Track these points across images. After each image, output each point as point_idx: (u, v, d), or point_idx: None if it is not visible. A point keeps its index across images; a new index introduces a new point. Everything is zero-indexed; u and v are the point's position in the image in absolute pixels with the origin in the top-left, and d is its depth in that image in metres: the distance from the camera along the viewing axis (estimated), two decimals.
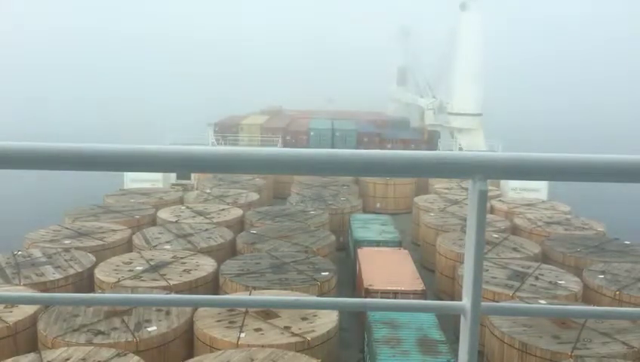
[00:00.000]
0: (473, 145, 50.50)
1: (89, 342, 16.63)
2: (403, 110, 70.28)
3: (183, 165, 2.03)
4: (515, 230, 31.79)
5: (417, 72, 63.30)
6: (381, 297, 20.86)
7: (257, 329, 17.67)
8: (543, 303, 19.91)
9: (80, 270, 22.81)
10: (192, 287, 21.73)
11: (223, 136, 50.78)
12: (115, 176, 41.41)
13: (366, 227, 30.53)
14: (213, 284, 22.49)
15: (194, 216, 31.92)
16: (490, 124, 55.00)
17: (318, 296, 20.31)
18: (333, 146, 48.48)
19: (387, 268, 23.48)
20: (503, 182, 42.27)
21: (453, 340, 19.47)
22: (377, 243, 27.82)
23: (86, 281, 22.57)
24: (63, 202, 39.88)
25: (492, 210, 36.59)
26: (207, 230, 28.67)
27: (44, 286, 21.38)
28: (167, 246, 26.07)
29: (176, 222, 30.70)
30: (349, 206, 35.92)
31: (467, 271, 2.14)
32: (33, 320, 18.10)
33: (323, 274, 22.67)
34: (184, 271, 22.67)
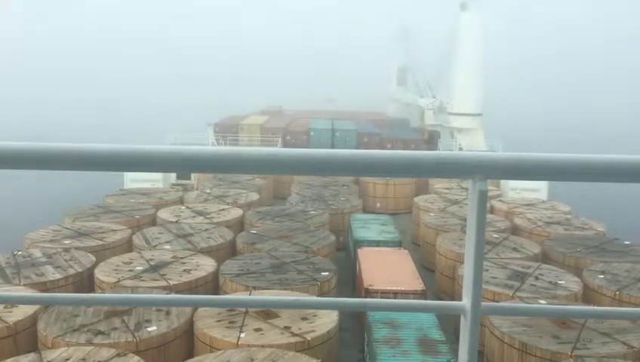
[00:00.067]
0: (473, 145, 50.51)
1: (89, 342, 16.63)
2: (403, 110, 70.29)
3: (183, 165, 2.03)
4: (515, 230, 31.79)
5: (417, 72, 63.34)
6: (381, 297, 20.86)
7: (257, 329, 17.67)
8: (543, 303, 19.91)
9: (80, 270, 22.82)
10: (192, 287, 21.73)
11: (223, 136, 50.79)
12: (115, 176, 41.41)
13: (366, 227, 30.53)
14: (213, 284, 22.49)
15: (194, 216, 31.92)
16: (490, 124, 55.00)
17: (318, 296, 20.31)
18: (333, 146, 48.48)
19: (387, 268, 23.48)
20: (503, 182, 42.28)
21: (453, 340, 19.48)
22: (377, 243, 27.83)
23: (86, 281, 22.58)
24: (63, 202, 39.87)
25: (492, 210, 36.59)
26: (207, 230, 28.68)
27: (44, 286, 21.39)
28: (167, 246, 26.07)
29: (176, 222, 30.70)
30: (349, 206, 35.92)
31: (467, 271, 2.14)
32: (33, 320, 18.10)
33: (323, 274, 22.67)
34: (184, 271, 22.67)
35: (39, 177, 58.83)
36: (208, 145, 44.03)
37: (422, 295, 21.13)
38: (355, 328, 22.55)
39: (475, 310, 2.12)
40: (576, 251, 26.87)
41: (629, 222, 41.95)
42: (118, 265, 23.12)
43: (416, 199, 38.02)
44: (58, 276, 22.09)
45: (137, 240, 27.19)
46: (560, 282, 22.65)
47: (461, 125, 52.34)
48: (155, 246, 26.29)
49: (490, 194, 36.48)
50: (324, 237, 28.15)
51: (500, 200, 39.16)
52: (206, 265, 23.34)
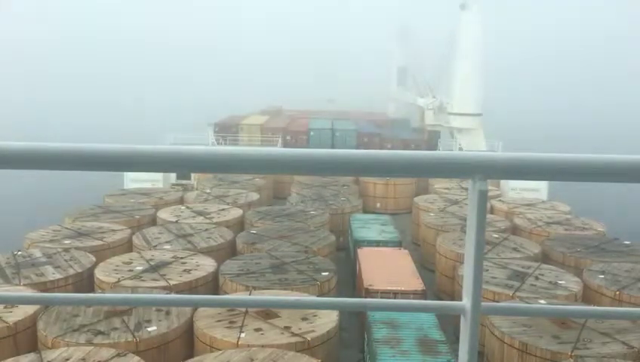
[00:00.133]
0: (473, 145, 50.49)
1: (89, 342, 16.63)
2: (403, 110, 70.29)
3: (183, 165, 2.03)
4: (515, 230, 31.79)
5: (417, 72, 63.27)
6: (381, 297, 20.86)
7: (257, 329, 17.67)
8: (543, 303, 19.91)
9: (80, 270, 22.82)
10: (192, 287, 21.73)
11: (223, 136, 50.80)
12: (115, 176, 41.41)
13: (366, 227, 30.53)
14: (213, 284, 22.49)
15: (194, 216, 31.92)
16: (490, 124, 54.98)
17: (318, 296, 20.30)
18: (333, 146, 48.49)
19: (387, 268, 23.48)
20: (503, 182, 42.29)
21: (453, 340, 19.48)
22: (377, 243, 27.83)
23: (86, 281, 22.58)
24: (63, 202, 39.88)
25: (492, 210, 36.59)
26: (207, 230, 28.67)
27: (44, 286, 21.39)
28: (167, 246, 26.06)
29: (176, 222, 30.70)
30: (349, 206, 35.92)
31: (467, 271, 2.14)
32: (33, 320, 18.10)
33: (323, 274, 22.67)
34: (184, 271, 22.67)
35: (39, 177, 58.84)
36: (208, 145, 44.03)
37: (422, 295, 21.13)
38: (355, 328, 22.55)
39: (475, 310, 2.12)
40: (576, 251, 26.87)
41: (629, 222, 41.97)
42: (118, 265, 23.12)
43: (416, 199, 38.02)
44: (58, 276, 22.09)
45: (137, 240, 27.19)
46: (560, 282, 22.65)
47: (461, 125, 52.32)
48: (155, 246, 26.29)
49: (490, 194, 36.48)
50: (324, 237, 28.15)
51: (500, 200, 39.16)
52: (206, 265, 23.34)
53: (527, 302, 20.01)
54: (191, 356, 17.31)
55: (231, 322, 18.07)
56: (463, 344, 2.16)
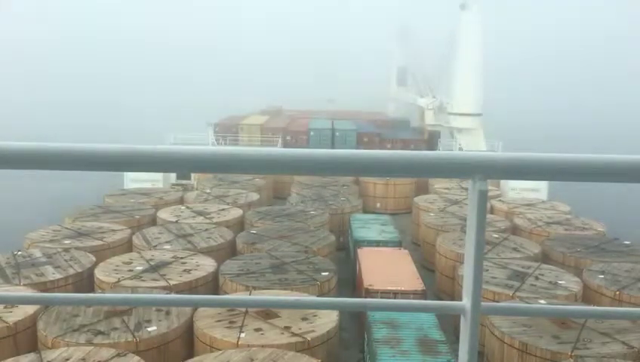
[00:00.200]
0: (473, 145, 50.49)
1: (89, 342, 16.63)
2: (403, 110, 70.29)
3: (183, 165, 2.03)
4: (515, 230, 31.79)
5: (417, 72, 63.27)
6: (381, 297, 20.86)
7: (257, 329, 17.67)
8: (543, 303, 19.91)
9: (80, 270, 22.82)
10: (192, 287, 21.73)
11: (223, 136, 50.80)
12: (115, 176, 41.41)
13: (366, 227, 30.53)
14: (213, 284, 22.49)
15: (194, 216, 31.92)
16: (490, 124, 54.98)
17: (318, 296, 20.30)
18: (333, 146, 48.49)
19: (387, 268, 23.47)
20: (503, 182, 42.28)
21: (453, 340, 19.48)
22: (377, 243, 27.83)
23: (86, 281, 22.58)
24: (63, 202, 39.88)
25: (492, 210, 36.59)
26: (207, 230, 28.67)
27: (44, 286, 21.38)
28: (167, 246, 26.06)
29: (176, 222, 30.70)
30: (349, 206, 35.92)
31: (467, 271, 2.14)
32: (33, 320, 18.10)
33: (323, 274, 22.67)
34: (184, 271, 22.67)
35: (39, 177, 58.85)
36: (208, 145, 44.03)
37: (422, 295, 21.13)
38: (355, 328, 22.55)
39: (475, 310, 2.12)
40: (576, 251, 26.87)
41: (629, 222, 41.96)
42: (118, 265, 23.12)
43: (416, 199, 38.02)
44: (58, 276, 22.09)
45: (137, 240, 27.19)
46: (560, 282, 22.64)
47: (461, 125, 52.31)
48: (155, 246, 26.29)
49: (490, 194, 36.48)
50: (324, 237, 28.15)
51: (500, 200, 39.16)
52: (206, 265, 23.34)
53: (527, 302, 20.01)
54: (191, 356, 17.30)
55: (231, 322, 18.07)
56: (463, 344, 2.16)
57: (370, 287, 21.58)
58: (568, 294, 21.64)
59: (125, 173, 41.70)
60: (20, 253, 24.45)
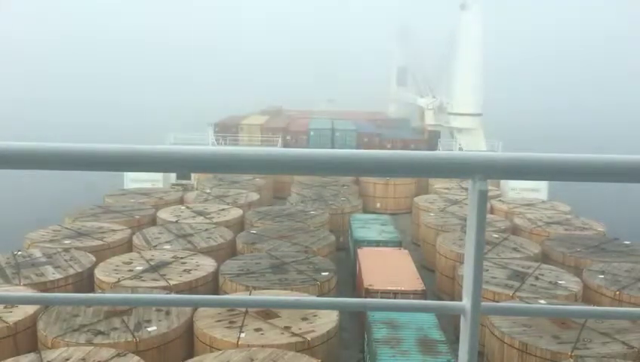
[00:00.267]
0: (473, 145, 50.50)
1: (89, 342, 16.63)
2: (403, 110, 70.29)
3: (183, 165, 2.03)
4: (515, 230, 31.79)
5: (417, 72, 63.27)
6: (381, 297, 20.86)
7: (257, 329, 17.67)
8: (543, 303, 19.91)
9: (80, 270, 22.82)
10: (192, 287, 21.73)
11: (223, 136, 50.81)
12: (115, 176, 41.42)
13: (366, 227, 30.53)
14: (213, 284, 22.49)
15: (194, 216, 31.92)
16: (490, 124, 54.99)
17: (318, 296, 20.30)
18: (333, 146, 48.49)
19: (387, 268, 23.48)
20: (503, 182, 42.29)
21: (453, 340, 19.48)
22: (377, 243, 27.83)
23: (86, 281, 22.57)
24: (63, 202, 39.88)
25: (492, 210, 36.59)
26: (207, 230, 28.67)
27: (44, 286, 21.38)
28: (167, 246, 26.06)
29: (176, 222, 30.70)
30: (349, 206, 35.92)
31: (467, 271, 2.14)
32: (33, 320, 18.10)
33: (323, 274, 22.67)
34: (184, 271, 22.67)
35: (39, 177, 58.85)
36: (208, 145, 44.03)
37: (422, 295, 21.13)
38: (355, 328, 22.55)
39: (475, 310, 2.12)
40: (576, 251, 26.87)
41: (629, 222, 41.96)
42: (118, 265, 23.12)
43: (416, 199, 38.02)
44: (58, 276, 22.09)
45: (137, 240, 27.19)
46: (560, 282, 22.64)
47: (461, 125, 52.32)
48: (155, 246, 26.28)
49: (490, 194, 36.47)
50: (324, 237, 28.15)
51: (500, 200, 39.16)
52: (206, 265, 23.34)
53: (527, 302, 20.01)
54: (191, 356, 17.31)
55: (231, 322, 18.07)
56: (463, 344, 2.16)
57: (370, 287, 21.59)
58: (568, 294, 21.64)
59: (125, 173, 41.71)
60: (19, 253, 24.45)
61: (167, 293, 20.08)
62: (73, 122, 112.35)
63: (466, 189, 35.87)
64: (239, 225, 31.33)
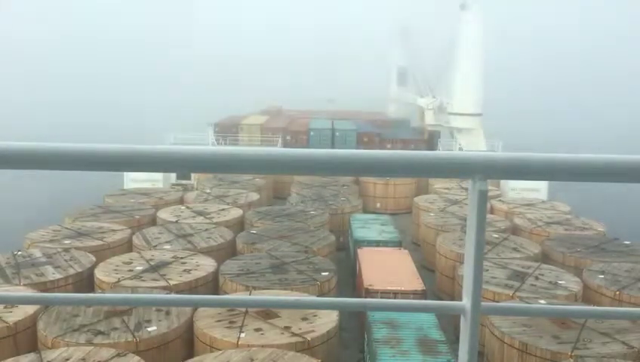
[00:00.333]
0: (473, 145, 50.49)
1: (89, 342, 16.63)
2: (403, 110, 70.25)
3: (183, 165, 2.03)
4: (515, 230, 31.79)
5: (417, 72, 63.26)
6: (381, 297, 20.86)
7: (257, 329, 17.67)
8: (543, 303, 19.91)
9: (80, 270, 22.82)
10: (192, 287, 21.73)
11: (223, 136, 50.80)
12: (115, 176, 41.41)
13: (366, 227, 30.54)
14: (213, 284, 22.49)
15: (194, 216, 31.92)
16: (490, 124, 54.99)
17: (318, 296, 20.31)
18: (333, 146, 48.48)
19: (387, 268, 23.48)
20: (503, 182, 42.28)
21: (453, 340, 19.48)
22: (377, 243, 27.84)
23: (86, 281, 22.58)
24: (63, 202, 39.88)
25: (492, 210, 36.59)
26: (207, 230, 28.67)
27: (44, 286, 21.39)
28: (167, 246, 26.07)
29: (176, 222, 30.70)
30: (349, 206, 35.92)
31: (467, 271, 2.14)
32: (33, 320, 18.10)
33: (323, 274, 22.67)
34: (184, 271, 22.67)
35: (39, 177, 58.85)
36: (208, 145, 44.02)
37: (422, 295, 21.13)
38: (355, 328, 22.55)
39: (475, 310, 2.12)
40: (576, 251, 26.87)
41: (629, 222, 41.97)
42: (118, 265, 23.12)
43: (416, 199, 38.02)
44: (58, 276, 22.09)
45: (137, 240, 27.19)
46: (560, 282, 22.65)
47: (461, 125, 52.31)
48: (155, 246, 26.29)
49: (490, 194, 36.47)
50: (324, 237, 28.15)
51: (500, 200, 39.16)
52: (206, 265, 23.35)
53: (527, 302, 20.01)
54: (191, 356, 17.31)
55: (231, 322, 18.08)
56: (463, 344, 2.16)
57: (370, 287, 21.59)
58: (568, 294, 21.65)
59: (125, 173, 41.71)
60: (19, 253, 24.45)
61: (167, 293, 20.08)
62: (73, 122, 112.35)
63: (466, 189, 35.88)
64: (239, 225, 31.33)
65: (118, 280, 21.51)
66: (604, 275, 23.48)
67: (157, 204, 35.12)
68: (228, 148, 2.04)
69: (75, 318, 18.04)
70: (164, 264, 23.21)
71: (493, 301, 20.71)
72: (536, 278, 22.97)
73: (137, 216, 31.74)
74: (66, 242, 26.36)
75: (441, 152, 2.02)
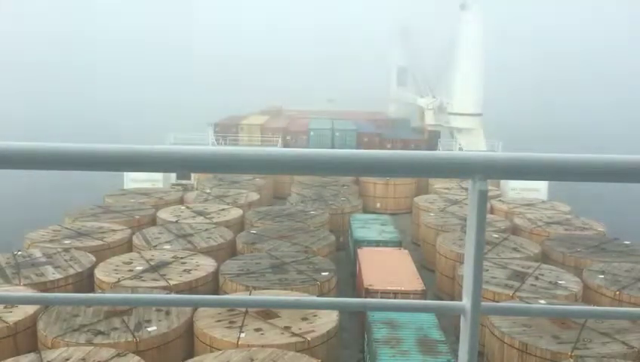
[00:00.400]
0: (473, 145, 50.48)
1: (89, 342, 16.64)
2: (403, 110, 70.25)
3: (183, 165, 2.03)
4: (515, 230, 31.79)
5: (417, 72, 63.25)
6: (381, 297, 20.86)
7: (257, 329, 17.68)
8: (543, 303, 19.91)
9: (80, 270, 22.82)
10: (192, 287, 21.74)
11: (223, 136, 50.81)
12: (115, 176, 41.41)
13: (366, 227, 30.54)
14: (213, 284, 22.49)
15: (194, 216, 31.92)
16: (490, 124, 54.99)
17: (318, 296, 20.31)
18: (333, 146, 48.49)
19: (387, 268, 23.48)
20: (503, 182, 42.28)
21: (453, 340, 19.48)
22: (377, 243, 27.84)
23: (86, 281, 22.58)
24: (63, 202, 39.88)
25: (492, 210, 36.59)
26: (207, 230, 28.67)
27: (44, 286, 21.39)
28: (167, 246, 26.07)
29: (176, 222, 30.70)
30: (349, 206, 35.92)
31: (467, 271, 2.14)
32: (33, 320, 18.10)
33: (323, 274, 22.67)
34: (184, 271, 22.68)
35: (39, 177, 58.84)
36: (208, 145, 44.02)
37: (422, 295, 21.13)
38: (355, 328, 22.55)
39: (475, 310, 2.12)
40: (576, 251, 26.87)
41: (629, 222, 41.97)
42: (118, 265, 23.13)
43: (416, 199, 38.02)
44: (58, 276, 22.09)
45: (137, 240, 27.19)
46: (560, 282, 22.65)
47: (461, 125, 52.31)
48: (155, 246, 26.29)
49: (490, 194, 36.46)
50: (324, 237, 28.15)
51: (500, 200, 39.16)
52: (206, 265, 23.35)
53: (527, 302, 20.01)
54: (191, 356, 17.31)
55: (231, 322, 18.08)
56: (463, 344, 2.16)
57: (370, 287, 21.59)
58: (568, 294, 21.65)
59: (125, 173, 41.71)
60: (19, 253, 24.46)
61: (167, 293, 20.08)
62: (73, 122, 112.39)
63: (466, 189, 35.88)
64: (239, 225, 31.34)
65: (118, 280, 21.51)
66: (604, 275, 23.48)
67: (157, 204, 35.13)
68: (228, 148, 2.04)
69: (75, 318, 18.04)
70: (164, 264, 23.21)
71: (493, 301, 20.71)
72: (536, 278, 22.97)
73: (137, 216, 31.75)
74: (66, 242, 26.36)
75: (441, 152, 2.02)
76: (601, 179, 1.99)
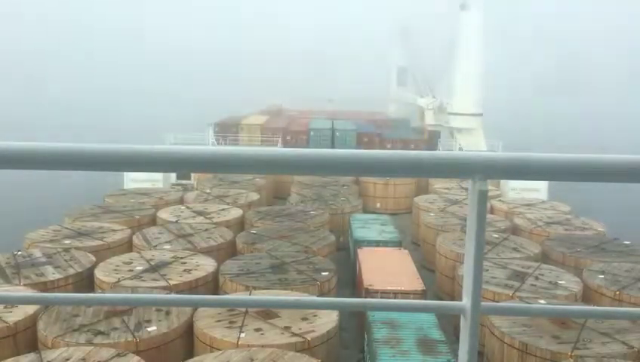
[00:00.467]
0: (473, 145, 50.50)
1: (89, 342, 16.63)
2: (403, 110, 70.29)
3: (183, 165, 2.03)
4: (515, 230, 31.79)
5: (417, 72, 63.27)
6: (381, 297, 20.86)
7: (257, 329, 17.67)
8: (543, 303, 19.91)
9: (80, 270, 22.82)
10: (192, 287, 21.73)
11: (223, 136, 50.81)
12: (115, 176, 41.41)
13: (366, 227, 30.54)
14: (213, 284, 22.49)
15: (194, 216, 31.91)
16: (490, 124, 54.98)
17: (318, 296, 20.30)
18: (333, 146, 48.48)
19: (387, 268, 23.48)
20: (503, 182, 42.28)
21: (453, 340, 19.48)
22: (377, 243, 27.83)
23: (86, 281, 22.57)
24: (63, 202, 39.87)
25: (492, 210, 36.59)
26: (207, 230, 28.67)
27: (44, 286, 21.38)
28: (167, 246, 26.06)
29: (176, 222, 30.69)
30: (349, 206, 35.92)
31: (467, 271, 2.14)
32: (33, 320, 18.10)
33: (323, 274, 22.67)
34: (184, 271, 22.67)
35: (39, 177, 58.82)
36: (208, 145, 44.02)
37: (422, 295, 21.13)
38: (355, 328, 22.55)
39: (475, 310, 2.12)
40: (576, 251, 26.87)
41: (629, 222, 41.94)
42: (118, 265, 23.12)
43: (416, 199, 38.01)
44: (58, 276, 22.09)
45: (137, 240, 27.19)
46: (560, 282, 22.64)
47: (461, 125, 52.33)
48: (155, 246, 26.28)
49: (490, 194, 36.40)
50: (324, 237, 28.15)
51: (500, 200, 39.16)
52: (206, 265, 23.34)
53: (527, 302, 20.01)
54: (191, 356, 17.31)
55: (231, 322, 18.08)
56: (463, 344, 2.16)
57: (370, 287, 21.58)
58: (568, 294, 21.65)
59: (125, 173, 41.71)
60: (20, 253, 24.45)
61: (167, 293, 20.07)
62: (73, 122, 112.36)
63: (466, 189, 35.87)
64: (239, 225, 31.33)
65: (118, 280, 21.50)
66: (604, 275, 23.48)
67: (157, 204, 35.12)
68: (228, 148, 2.04)
69: (75, 318, 18.04)
70: (164, 264, 23.21)
71: (493, 301, 20.71)
72: (536, 278, 22.97)
73: (137, 216, 31.74)
74: (66, 242, 26.35)
75: (441, 152, 2.02)
76: (601, 179, 1.99)
